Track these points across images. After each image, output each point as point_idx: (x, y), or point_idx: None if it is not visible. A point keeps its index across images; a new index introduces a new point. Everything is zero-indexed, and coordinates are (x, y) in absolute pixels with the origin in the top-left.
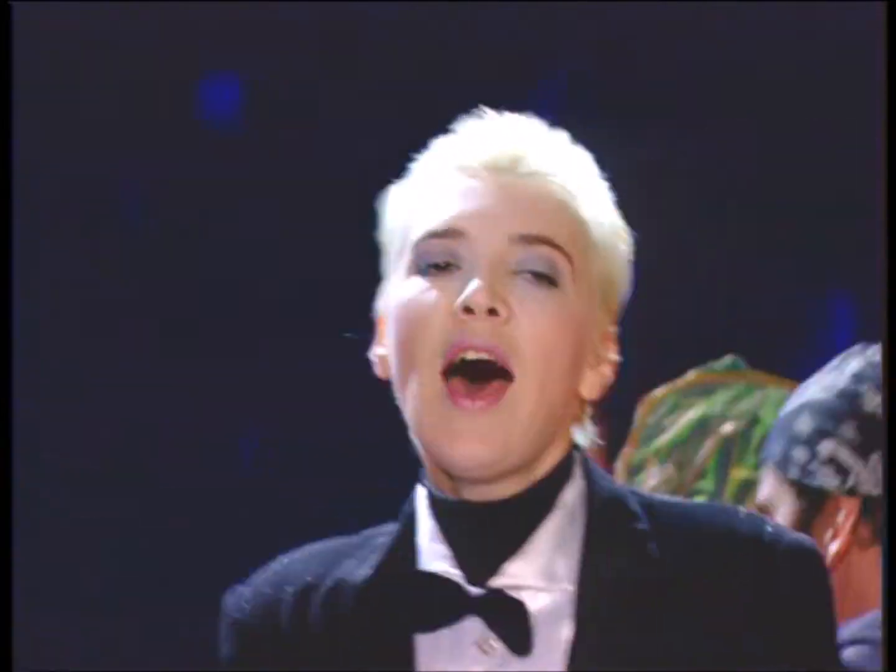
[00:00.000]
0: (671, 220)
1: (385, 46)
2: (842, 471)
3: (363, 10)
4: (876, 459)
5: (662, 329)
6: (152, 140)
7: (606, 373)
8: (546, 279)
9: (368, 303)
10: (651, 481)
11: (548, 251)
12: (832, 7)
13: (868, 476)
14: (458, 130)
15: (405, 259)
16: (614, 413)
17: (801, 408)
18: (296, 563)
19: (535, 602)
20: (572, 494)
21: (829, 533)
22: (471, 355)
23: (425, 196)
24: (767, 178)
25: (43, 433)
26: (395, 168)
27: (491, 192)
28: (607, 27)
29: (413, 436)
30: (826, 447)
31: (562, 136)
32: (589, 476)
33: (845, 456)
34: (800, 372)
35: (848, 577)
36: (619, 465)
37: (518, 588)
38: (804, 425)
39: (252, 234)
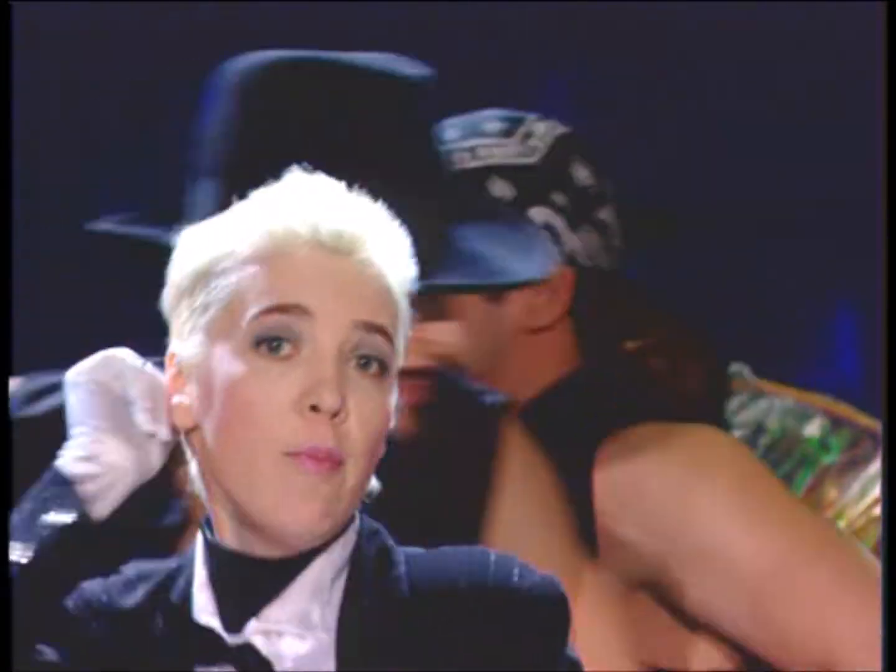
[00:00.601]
0: (671, 227)
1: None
2: (556, 238)
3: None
4: (589, 230)
5: None
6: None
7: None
8: (379, 367)
9: None
10: None
11: (382, 341)
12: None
13: (580, 246)
14: (290, 195)
15: (233, 325)
16: None
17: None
18: (104, 583)
19: (296, 648)
20: (341, 549)
21: (546, 296)
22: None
23: (263, 258)
24: (769, 183)
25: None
26: None
27: (337, 273)
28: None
29: (232, 493)
30: (538, 213)
31: (382, 212)
32: (361, 531)
33: (558, 224)
34: (805, 379)
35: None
36: None
37: (274, 633)
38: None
39: None
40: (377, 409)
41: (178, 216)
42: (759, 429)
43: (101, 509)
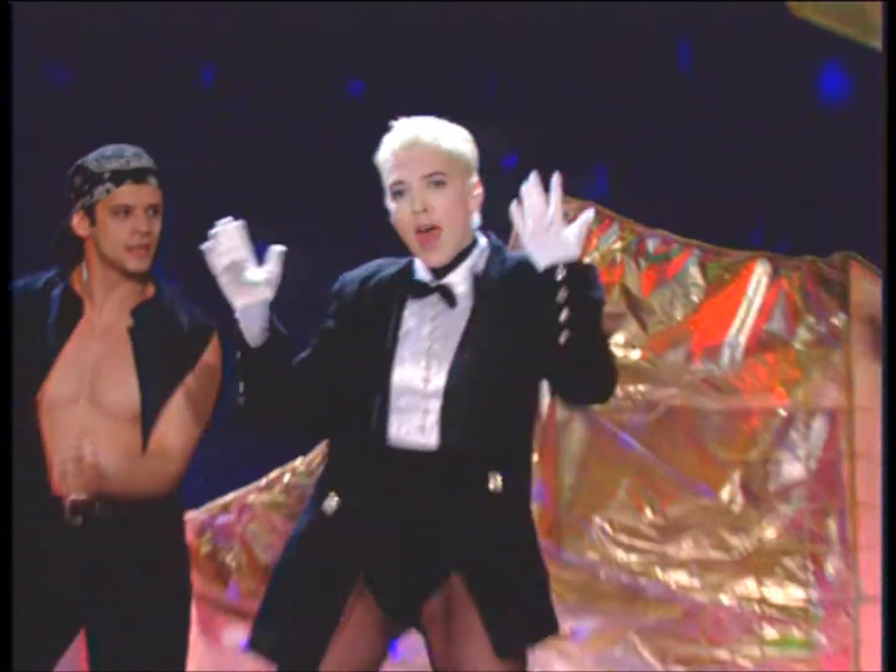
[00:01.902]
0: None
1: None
2: None
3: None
4: None
5: None
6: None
7: (478, 195)
8: (436, 185)
9: None
10: None
11: (444, 176)
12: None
13: None
14: (396, 127)
15: (389, 186)
16: None
17: None
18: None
19: (457, 290)
20: (480, 250)
21: None
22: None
23: (388, 162)
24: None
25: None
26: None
27: (410, 160)
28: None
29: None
30: None
31: (435, 122)
32: (490, 246)
33: None
34: None
35: None
36: None
37: (453, 285)
38: None
39: None
40: (445, 203)
41: None
42: None
43: (253, 334)
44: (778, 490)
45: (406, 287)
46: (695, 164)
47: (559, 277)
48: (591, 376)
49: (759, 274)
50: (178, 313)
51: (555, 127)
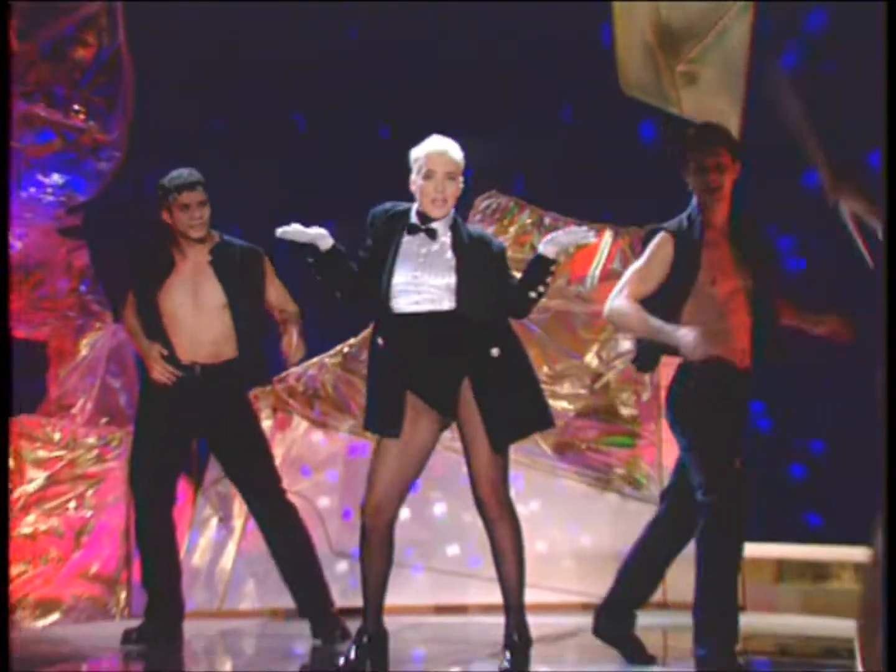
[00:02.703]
0: None
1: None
2: None
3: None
4: None
5: None
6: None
7: (461, 187)
8: (451, 179)
9: None
10: None
11: (455, 176)
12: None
13: None
14: (429, 140)
15: (421, 171)
16: None
17: None
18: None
19: (439, 231)
20: (453, 215)
21: None
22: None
23: (422, 159)
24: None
25: None
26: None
27: (440, 162)
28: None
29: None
30: None
31: (454, 143)
32: (455, 216)
33: None
34: None
35: None
36: None
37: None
38: None
39: None
40: (454, 190)
41: None
42: None
43: (325, 247)
44: (615, 355)
45: (405, 225)
46: (575, 184)
47: (552, 269)
48: (529, 310)
49: (607, 236)
50: (234, 246)
51: (491, 148)
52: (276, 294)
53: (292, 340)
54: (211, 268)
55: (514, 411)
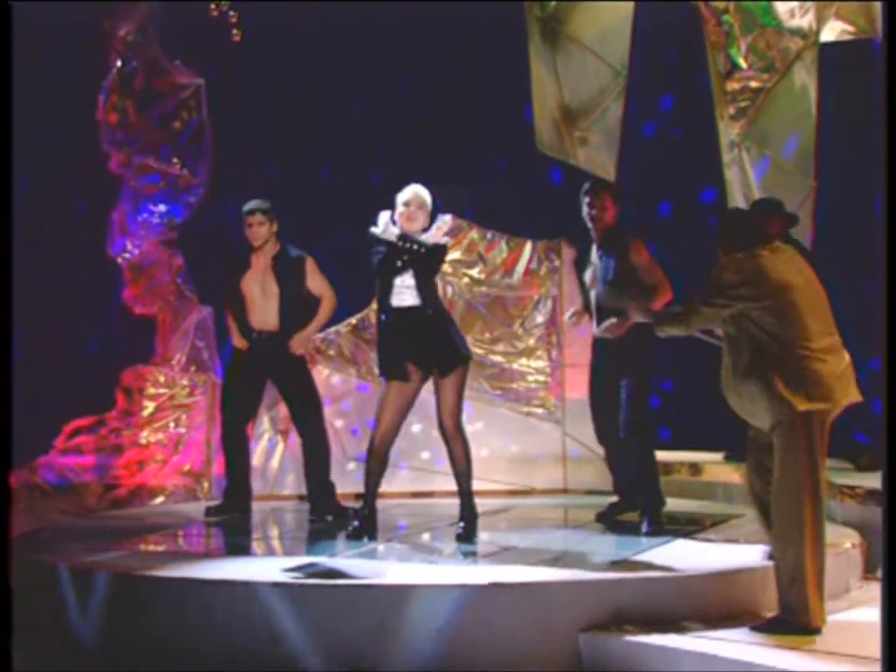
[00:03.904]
0: None
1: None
2: None
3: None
4: None
5: None
6: None
7: (427, 214)
8: (424, 210)
9: None
10: None
11: (423, 207)
12: None
13: None
14: (408, 188)
15: (400, 204)
16: None
17: None
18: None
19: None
20: (427, 232)
21: None
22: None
23: (403, 195)
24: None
25: None
26: None
27: (412, 199)
28: None
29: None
30: None
31: (423, 189)
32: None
33: None
34: None
35: None
36: None
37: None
38: None
39: None
40: (421, 214)
41: None
42: None
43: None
44: (533, 325)
45: (394, 240)
46: (506, 210)
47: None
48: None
49: (528, 245)
50: (288, 252)
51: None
52: (315, 285)
53: (318, 323)
54: (272, 268)
55: (447, 355)
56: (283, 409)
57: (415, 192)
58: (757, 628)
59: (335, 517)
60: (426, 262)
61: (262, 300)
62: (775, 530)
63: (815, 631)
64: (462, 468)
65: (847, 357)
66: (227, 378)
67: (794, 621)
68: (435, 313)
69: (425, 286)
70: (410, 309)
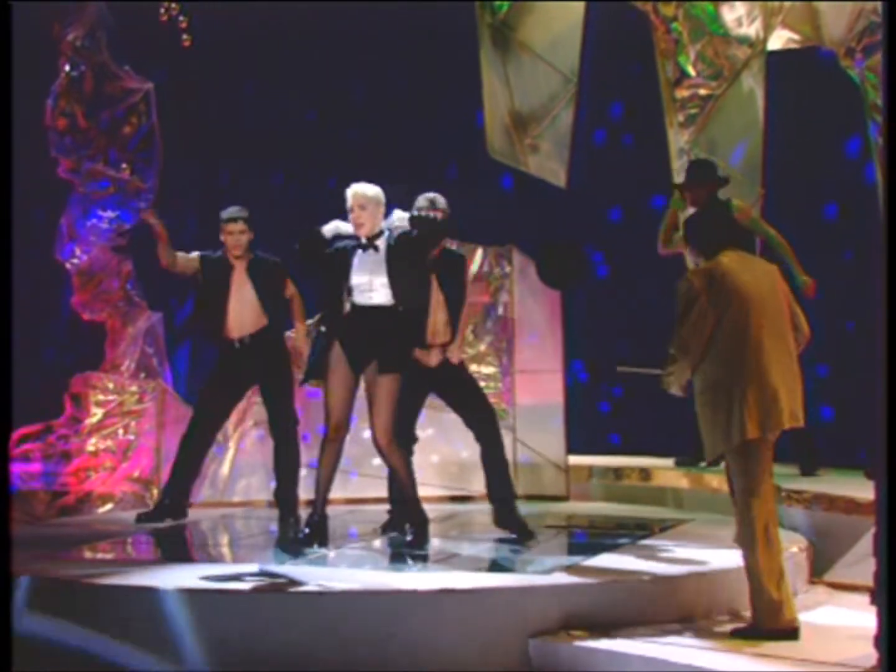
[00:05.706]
0: None
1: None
2: None
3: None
4: None
5: None
6: None
7: (382, 212)
8: (367, 210)
9: None
10: None
11: (366, 207)
12: None
13: None
14: (353, 186)
15: (349, 205)
16: None
17: None
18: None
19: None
20: (386, 233)
21: None
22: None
23: (350, 195)
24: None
25: None
26: None
27: (356, 196)
28: None
29: None
30: None
31: (363, 186)
32: (388, 230)
33: None
34: None
35: None
36: None
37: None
38: None
39: None
40: (370, 212)
41: None
42: None
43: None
44: (484, 331)
45: (355, 244)
46: (457, 217)
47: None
48: None
49: (480, 251)
50: (264, 260)
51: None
52: (289, 288)
53: (305, 322)
54: (248, 276)
55: (395, 353)
56: (233, 416)
57: (353, 192)
58: (736, 634)
59: (296, 523)
60: (412, 246)
61: (240, 306)
62: (735, 536)
63: (792, 633)
64: (404, 478)
65: (795, 379)
66: (208, 382)
67: (765, 626)
68: (407, 312)
69: (402, 278)
70: (375, 308)
